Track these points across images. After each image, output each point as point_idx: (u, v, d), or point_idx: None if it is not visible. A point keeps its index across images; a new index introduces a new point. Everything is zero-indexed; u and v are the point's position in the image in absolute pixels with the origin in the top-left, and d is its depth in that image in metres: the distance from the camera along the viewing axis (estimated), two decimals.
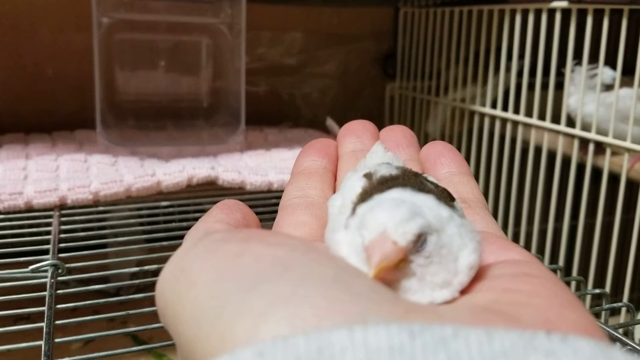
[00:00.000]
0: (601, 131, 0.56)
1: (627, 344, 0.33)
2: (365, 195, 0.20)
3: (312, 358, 0.12)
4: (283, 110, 0.79)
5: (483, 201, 0.28)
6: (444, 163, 0.31)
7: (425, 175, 0.24)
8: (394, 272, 0.18)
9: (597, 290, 0.37)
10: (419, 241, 0.18)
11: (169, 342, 0.32)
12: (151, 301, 0.35)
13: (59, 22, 0.68)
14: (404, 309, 0.16)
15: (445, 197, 0.21)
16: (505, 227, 0.67)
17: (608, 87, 0.60)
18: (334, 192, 0.28)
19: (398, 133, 0.33)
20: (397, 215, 0.18)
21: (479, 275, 0.19)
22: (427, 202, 0.19)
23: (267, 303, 0.15)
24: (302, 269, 0.16)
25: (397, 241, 0.18)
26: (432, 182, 0.22)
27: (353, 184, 0.22)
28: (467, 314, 0.17)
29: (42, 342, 0.31)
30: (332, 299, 0.15)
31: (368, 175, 0.22)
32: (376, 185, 0.21)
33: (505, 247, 0.21)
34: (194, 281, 0.17)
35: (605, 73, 0.59)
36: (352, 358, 0.12)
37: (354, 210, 0.20)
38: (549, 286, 0.18)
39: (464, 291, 0.19)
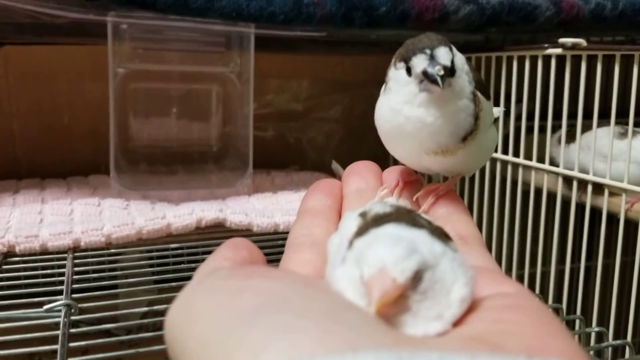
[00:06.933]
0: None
1: None
2: (361, 231, 0.21)
3: None
4: (290, 153, 0.81)
5: (479, 237, 0.30)
6: (441, 203, 0.32)
7: (419, 212, 0.25)
8: (391, 307, 0.19)
9: (597, 329, 0.38)
10: (416, 278, 0.19)
11: None
12: (160, 340, 0.36)
13: (76, 73, 0.71)
14: (393, 340, 0.17)
15: (439, 233, 0.22)
16: (509, 270, 0.68)
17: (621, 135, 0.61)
18: None
19: (400, 174, 0.34)
20: (396, 251, 0.19)
21: (471, 307, 0.20)
22: (420, 237, 0.20)
23: (266, 334, 0.16)
24: (299, 303, 0.17)
25: (397, 278, 0.18)
26: (425, 219, 0.24)
27: (350, 222, 0.23)
28: (455, 344, 0.18)
29: None
30: (326, 330, 0.16)
31: (363, 214, 0.23)
32: (371, 222, 0.22)
33: (498, 281, 0.22)
34: (199, 316, 0.18)
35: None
36: None
37: (350, 244, 0.21)
38: (537, 316, 0.19)
39: (456, 323, 0.19)
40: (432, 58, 0.29)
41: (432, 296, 0.19)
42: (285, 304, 0.17)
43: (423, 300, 0.19)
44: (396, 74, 0.31)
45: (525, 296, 0.21)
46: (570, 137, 0.63)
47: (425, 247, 0.20)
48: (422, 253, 0.19)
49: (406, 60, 0.30)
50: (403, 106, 0.30)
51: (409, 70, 0.30)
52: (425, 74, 0.29)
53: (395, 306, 0.19)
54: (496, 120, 0.38)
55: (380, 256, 0.19)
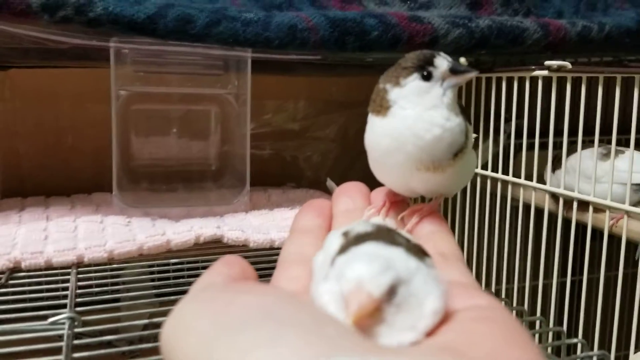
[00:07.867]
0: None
1: None
2: (343, 249, 0.23)
3: None
4: (286, 172, 0.83)
5: (459, 254, 0.31)
6: (425, 222, 0.34)
7: (399, 231, 0.27)
8: (368, 319, 0.20)
9: (575, 340, 0.39)
10: (391, 292, 0.20)
11: None
12: (158, 351, 0.38)
13: (80, 95, 0.73)
14: (368, 349, 0.18)
15: (416, 250, 0.23)
16: (498, 284, 0.69)
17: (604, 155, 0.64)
18: None
19: (387, 194, 0.36)
20: (372, 268, 0.20)
21: (445, 319, 0.21)
22: (397, 254, 0.22)
23: (250, 345, 0.18)
24: (282, 316, 0.19)
25: (372, 292, 0.20)
26: (404, 237, 0.25)
27: (333, 241, 0.24)
28: (424, 352, 0.20)
29: None
30: (306, 341, 0.18)
31: (346, 233, 0.25)
32: (352, 241, 0.23)
33: (472, 295, 0.24)
34: (190, 329, 0.20)
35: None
36: None
37: (333, 261, 0.23)
38: (506, 329, 0.20)
39: (429, 333, 0.21)
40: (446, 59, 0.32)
41: (406, 309, 0.21)
42: (269, 317, 0.19)
43: (398, 312, 0.20)
44: (407, 88, 0.32)
45: (497, 309, 0.22)
46: (557, 160, 0.65)
47: (400, 263, 0.21)
48: (397, 269, 0.21)
49: (422, 67, 0.32)
50: (423, 114, 0.32)
51: (426, 77, 0.32)
52: (453, 69, 0.32)
53: (371, 318, 0.20)
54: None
55: (357, 272, 0.20)
